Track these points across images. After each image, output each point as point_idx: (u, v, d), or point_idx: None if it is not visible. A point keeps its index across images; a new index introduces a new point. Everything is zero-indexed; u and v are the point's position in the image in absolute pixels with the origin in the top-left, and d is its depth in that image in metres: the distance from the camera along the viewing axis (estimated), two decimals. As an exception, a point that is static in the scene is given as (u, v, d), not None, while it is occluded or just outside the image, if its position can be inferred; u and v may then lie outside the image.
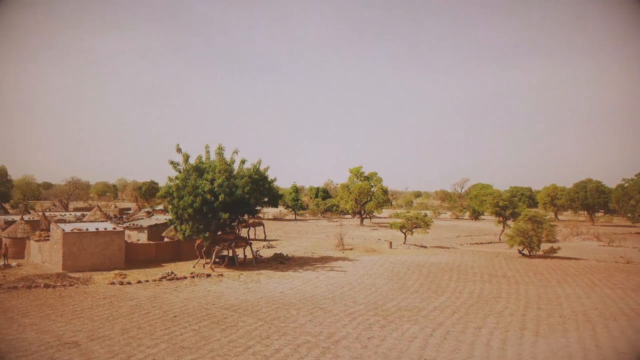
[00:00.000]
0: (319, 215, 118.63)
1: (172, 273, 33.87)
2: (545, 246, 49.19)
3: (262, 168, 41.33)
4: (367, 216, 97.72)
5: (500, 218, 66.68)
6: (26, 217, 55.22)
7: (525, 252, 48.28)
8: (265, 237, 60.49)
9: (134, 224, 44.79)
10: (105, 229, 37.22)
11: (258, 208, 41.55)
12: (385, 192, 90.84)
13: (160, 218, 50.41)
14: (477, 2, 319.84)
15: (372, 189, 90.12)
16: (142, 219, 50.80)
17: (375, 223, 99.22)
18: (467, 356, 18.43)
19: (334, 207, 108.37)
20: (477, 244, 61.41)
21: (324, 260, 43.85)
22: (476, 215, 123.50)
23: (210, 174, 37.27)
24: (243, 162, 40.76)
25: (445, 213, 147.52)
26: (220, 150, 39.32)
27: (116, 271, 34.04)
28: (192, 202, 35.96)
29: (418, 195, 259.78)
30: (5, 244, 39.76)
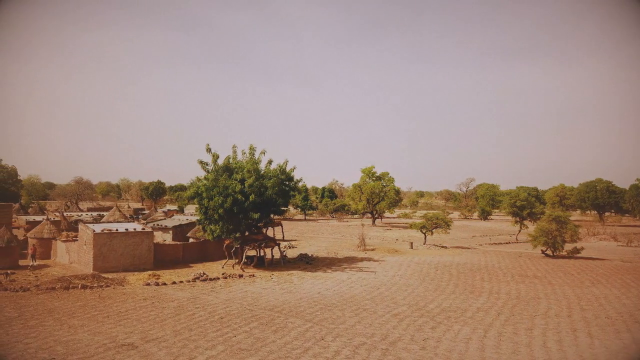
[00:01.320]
0: (328, 215, 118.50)
1: (204, 274, 33.71)
2: (567, 246, 49.06)
3: (288, 169, 41.24)
4: (378, 216, 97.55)
5: (517, 218, 66.57)
6: (40, 218, 55.09)
7: (549, 252, 48.18)
8: (283, 237, 60.35)
9: (158, 225, 44.62)
10: (135, 229, 37.06)
11: (284, 208, 41.44)
12: (397, 192, 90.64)
13: (182, 218, 50.28)
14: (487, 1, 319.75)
15: (384, 189, 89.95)
16: (164, 219, 50.64)
17: (387, 223, 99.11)
18: (528, 358, 18.29)
19: (345, 207, 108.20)
20: (495, 244, 61.24)
21: (350, 260, 43.70)
22: (485, 215, 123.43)
23: (240, 174, 37.10)
24: (270, 162, 40.61)
25: (452, 213, 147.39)
26: (251, 151, 39.16)
27: (149, 272, 33.88)
28: (223, 202, 35.81)
29: (420, 195, 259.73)
30: (34, 245, 39.60)
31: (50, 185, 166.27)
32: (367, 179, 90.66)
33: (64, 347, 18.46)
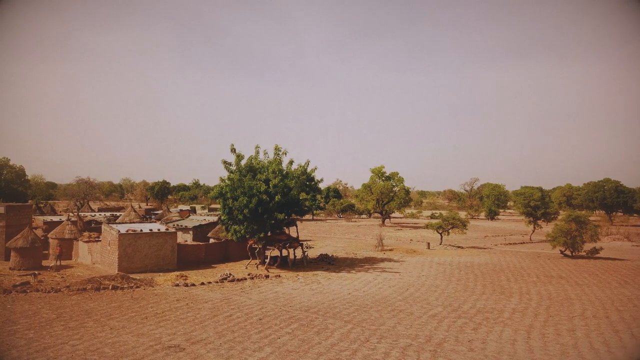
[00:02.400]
0: (335, 215, 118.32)
1: (230, 274, 33.57)
2: (586, 247, 48.92)
3: (308, 169, 41.11)
4: (387, 216, 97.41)
5: (531, 218, 66.46)
6: (56, 218, 54.93)
7: (567, 252, 48.07)
8: (297, 237, 60.12)
9: (178, 225, 44.46)
10: (159, 229, 36.91)
11: (306, 208, 41.32)
12: (407, 192, 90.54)
13: (199, 218, 50.14)
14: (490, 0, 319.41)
15: (394, 189, 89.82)
16: (181, 219, 50.47)
17: (396, 223, 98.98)
18: (579, 360, 18.19)
19: (354, 207, 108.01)
20: (510, 244, 61.11)
21: (370, 261, 43.57)
22: (492, 214, 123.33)
23: (265, 174, 36.97)
24: (291, 162, 40.49)
25: (458, 213, 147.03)
26: (276, 151, 39.01)
27: (177, 272, 33.74)
28: (248, 202, 35.67)
29: (422, 195, 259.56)
30: (59, 246, 39.45)
31: (52, 185, 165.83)
32: (376, 179, 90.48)
33: (111, 349, 18.32)
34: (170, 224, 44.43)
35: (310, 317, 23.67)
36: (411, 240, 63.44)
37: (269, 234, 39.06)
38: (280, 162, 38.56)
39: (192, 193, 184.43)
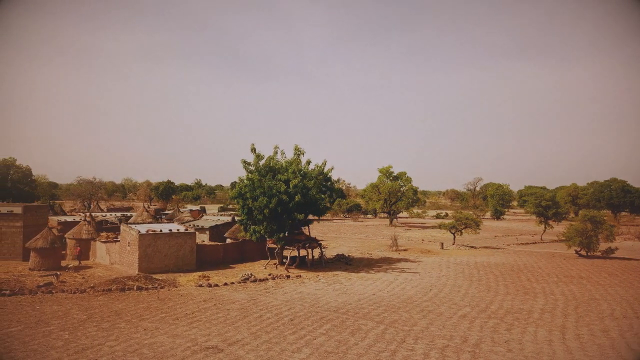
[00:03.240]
0: (340, 215, 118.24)
1: (251, 275, 33.49)
2: (600, 246, 48.85)
3: (325, 169, 41.04)
4: (395, 216, 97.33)
5: (541, 218, 66.35)
6: (69, 218, 54.80)
7: (582, 252, 48.01)
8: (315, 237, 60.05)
9: (195, 225, 44.38)
10: (179, 230, 36.84)
11: (322, 209, 41.20)
12: (415, 191, 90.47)
13: (214, 218, 50.06)
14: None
15: (401, 189, 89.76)
16: (194, 219, 50.38)
17: (403, 223, 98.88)
18: (620, 360, 18.13)
19: (359, 207, 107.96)
20: (522, 244, 61.01)
21: (387, 261, 43.50)
22: (498, 214, 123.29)
23: (285, 174, 36.88)
24: (308, 162, 40.40)
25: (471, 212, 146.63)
26: (296, 152, 38.92)
27: (199, 273, 33.68)
28: (268, 202, 35.59)
29: (424, 194, 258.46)
30: (79, 246, 39.41)
31: (53, 185, 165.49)
32: (384, 179, 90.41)
33: (149, 350, 18.24)
34: (186, 225, 44.32)
35: (341, 318, 23.59)
36: (423, 240, 63.36)
37: (286, 234, 38.98)
38: (300, 163, 38.47)
39: (195, 193, 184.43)
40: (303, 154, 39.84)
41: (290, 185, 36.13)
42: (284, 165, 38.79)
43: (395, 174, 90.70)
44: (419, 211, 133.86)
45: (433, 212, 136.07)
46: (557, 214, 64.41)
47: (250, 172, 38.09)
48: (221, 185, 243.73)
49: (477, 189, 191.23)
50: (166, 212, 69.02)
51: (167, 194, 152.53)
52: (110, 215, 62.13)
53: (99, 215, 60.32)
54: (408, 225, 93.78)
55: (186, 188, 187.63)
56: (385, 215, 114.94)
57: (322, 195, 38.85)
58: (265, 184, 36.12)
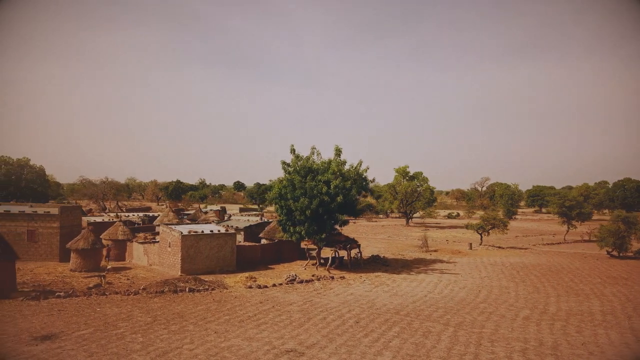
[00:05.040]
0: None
1: (296, 276, 33.29)
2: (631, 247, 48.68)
3: (361, 169, 40.79)
4: (411, 217, 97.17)
5: (564, 218, 66.16)
6: (99, 219, 54.50)
7: (614, 253, 47.86)
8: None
9: (229, 226, 44.14)
10: (219, 230, 36.64)
11: (359, 209, 41.03)
12: (432, 191, 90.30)
13: (243, 219, 49.86)
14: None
15: (418, 189, 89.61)
16: (221, 220, 50.16)
17: (419, 223, 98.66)
18: None
19: (372, 207, 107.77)
20: (548, 244, 60.85)
21: (422, 262, 43.33)
22: (510, 214, 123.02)
23: (325, 175, 36.67)
24: (344, 162, 40.13)
25: (475, 213, 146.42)
26: (337, 152, 38.70)
27: (245, 274, 33.48)
28: (309, 203, 35.39)
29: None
30: (109, 246, 39.22)
31: (57, 185, 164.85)
32: (400, 179, 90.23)
33: (231, 354, 18.04)
34: (222, 224, 44.11)
35: (406, 320, 23.39)
36: (447, 240, 63.16)
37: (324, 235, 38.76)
38: (340, 163, 38.25)
39: (202, 193, 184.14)
40: (340, 154, 39.59)
41: (331, 186, 35.92)
42: (320, 166, 38.51)
43: (411, 174, 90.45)
44: (430, 211, 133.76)
45: (443, 213, 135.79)
46: (580, 214, 64.25)
47: (289, 172, 37.85)
48: (224, 185, 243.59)
49: (484, 188, 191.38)
50: (187, 212, 68.76)
51: (176, 194, 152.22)
52: (133, 215, 61.93)
53: (122, 216, 60.14)
54: (424, 225, 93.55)
55: (191, 188, 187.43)
56: (398, 215, 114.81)
57: (365, 194, 38.62)
58: (307, 184, 35.90)
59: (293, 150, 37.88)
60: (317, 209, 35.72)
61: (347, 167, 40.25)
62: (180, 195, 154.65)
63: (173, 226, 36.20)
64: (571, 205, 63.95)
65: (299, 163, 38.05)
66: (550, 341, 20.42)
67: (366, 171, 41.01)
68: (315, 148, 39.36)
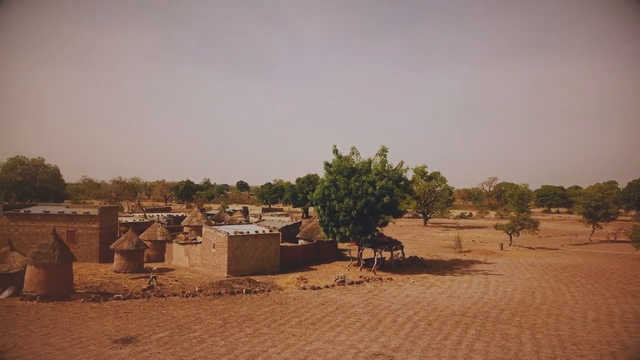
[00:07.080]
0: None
1: (344, 277, 33.06)
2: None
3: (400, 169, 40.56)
4: (429, 216, 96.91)
5: (590, 219, 65.90)
6: (130, 219, 54.21)
7: (649, 253, 47.67)
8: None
9: (267, 227, 43.86)
10: (264, 231, 36.37)
11: (401, 210, 40.79)
12: (450, 191, 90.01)
13: (275, 219, 49.56)
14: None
15: (436, 189, 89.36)
16: (251, 221, 49.85)
17: (436, 223, 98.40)
18: None
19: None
20: (576, 245, 60.58)
21: (460, 263, 43.08)
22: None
23: (370, 175, 36.41)
24: (384, 163, 39.86)
25: (488, 213, 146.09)
26: (382, 152, 38.42)
27: (296, 275, 33.22)
28: (354, 204, 35.13)
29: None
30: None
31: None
32: (418, 179, 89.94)
33: (319, 357, 17.73)
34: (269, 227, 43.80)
35: (477, 322, 23.12)
36: (473, 241, 62.92)
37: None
38: (385, 163, 38.01)
39: (209, 192, 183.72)
40: (385, 153, 39.25)
41: (377, 187, 35.66)
42: (360, 166, 38.25)
43: (429, 174, 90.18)
44: (446, 211, 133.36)
45: (455, 212, 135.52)
46: (606, 215, 64.03)
47: (331, 173, 37.57)
48: (227, 185, 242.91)
49: (491, 188, 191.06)
50: (210, 212, 68.45)
51: (187, 194, 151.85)
52: (157, 216, 61.64)
53: (147, 217, 59.86)
54: (442, 225, 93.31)
55: (198, 187, 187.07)
56: (410, 215, 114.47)
57: (404, 194, 38.37)
58: (351, 185, 35.63)
59: (336, 151, 37.63)
60: (362, 209, 35.46)
61: (386, 167, 40.06)
62: (190, 195, 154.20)
63: (218, 227, 35.91)
64: (597, 205, 63.69)
65: (340, 164, 37.78)
66: (633, 344, 20.16)
67: (405, 171, 40.84)
68: (355, 148, 39.14)
